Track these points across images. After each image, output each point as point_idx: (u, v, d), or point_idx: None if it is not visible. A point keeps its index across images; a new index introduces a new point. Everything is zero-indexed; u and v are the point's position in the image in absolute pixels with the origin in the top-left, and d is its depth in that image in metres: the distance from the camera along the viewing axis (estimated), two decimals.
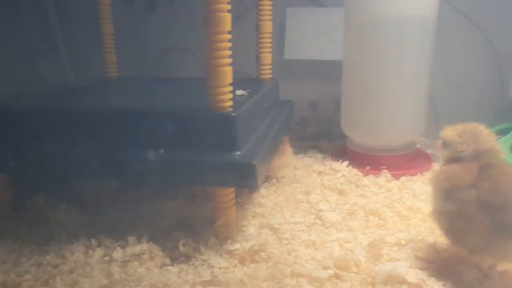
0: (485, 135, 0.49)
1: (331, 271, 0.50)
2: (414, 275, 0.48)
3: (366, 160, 0.89)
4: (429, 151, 0.99)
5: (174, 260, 0.54)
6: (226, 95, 0.54)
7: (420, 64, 0.84)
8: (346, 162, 0.89)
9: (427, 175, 0.84)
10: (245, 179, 0.52)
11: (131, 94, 0.73)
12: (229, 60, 0.53)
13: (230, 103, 0.55)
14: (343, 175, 0.85)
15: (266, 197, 0.74)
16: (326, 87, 1.16)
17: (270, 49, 0.89)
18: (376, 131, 0.87)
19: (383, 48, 0.82)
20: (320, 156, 0.97)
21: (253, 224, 0.63)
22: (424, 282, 0.48)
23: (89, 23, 0.99)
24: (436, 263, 0.52)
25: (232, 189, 0.57)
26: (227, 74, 0.54)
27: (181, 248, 0.54)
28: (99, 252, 0.53)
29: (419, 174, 0.85)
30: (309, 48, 1.13)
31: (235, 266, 0.53)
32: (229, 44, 0.53)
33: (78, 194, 0.69)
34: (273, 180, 0.80)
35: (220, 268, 0.52)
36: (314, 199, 0.73)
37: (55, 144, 0.57)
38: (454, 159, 0.49)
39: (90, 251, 0.54)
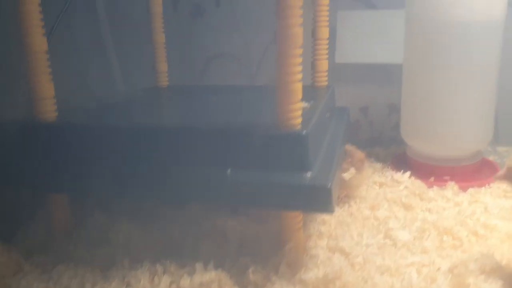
0: None
1: None
2: None
3: (429, 170, 0.84)
4: (491, 159, 0.94)
5: None
6: (296, 112, 0.52)
7: (487, 70, 0.79)
8: (408, 173, 0.84)
9: (496, 187, 0.79)
10: (319, 203, 0.49)
11: (190, 107, 0.71)
12: (300, 76, 0.51)
13: (300, 120, 0.52)
14: (406, 187, 0.81)
15: None
16: (377, 91, 1.12)
17: (326, 56, 0.86)
18: (440, 141, 0.82)
19: (448, 54, 0.77)
20: (379, 165, 0.93)
21: (321, 246, 0.60)
22: None
23: (140, 31, 0.98)
24: None
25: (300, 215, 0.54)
26: (298, 90, 0.51)
27: (251, 276, 0.51)
28: (166, 280, 0.51)
29: (486, 185, 0.80)
30: (360, 51, 1.09)
31: None
32: (300, 60, 0.50)
33: (137, 210, 0.68)
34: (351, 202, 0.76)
35: None
36: (382, 215, 0.70)
37: (113, 162, 0.56)
38: None
39: (156, 278, 0.52)
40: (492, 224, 0.64)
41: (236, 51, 1.21)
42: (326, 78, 0.87)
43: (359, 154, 0.76)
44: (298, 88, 0.51)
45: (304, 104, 0.66)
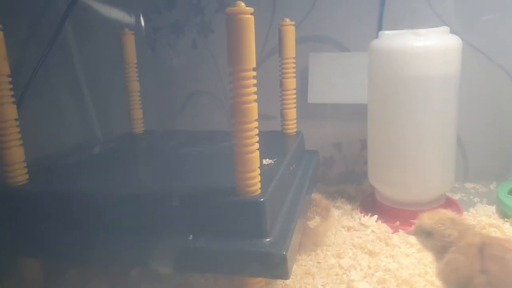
0: (460, 218, 0.54)
1: None
2: None
3: (395, 214, 0.87)
4: (458, 196, 0.97)
5: None
6: (254, 180, 0.54)
7: (444, 120, 0.82)
8: (375, 217, 0.87)
9: None
10: (275, 269, 0.51)
11: (155, 165, 0.74)
12: (257, 146, 0.53)
13: (257, 186, 0.55)
14: (373, 231, 0.83)
15: (297, 261, 0.74)
16: (351, 127, 1.15)
17: (294, 105, 0.89)
18: (403, 186, 0.85)
19: (407, 105, 0.81)
20: (348, 207, 0.96)
21: None
22: None
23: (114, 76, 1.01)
24: None
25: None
26: (255, 159, 0.53)
27: None
28: None
29: None
30: (332, 92, 1.13)
31: None
32: (256, 131, 0.53)
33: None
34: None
35: None
36: (346, 264, 0.72)
37: (79, 227, 0.58)
38: (442, 247, 0.52)
39: None
40: None
41: (214, 89, 1.24)
42: (295, 126, 0.91)
43: (324, 202, 0.79)
44: (254, 157, 0.53)
45: (267, 161, 0.69)
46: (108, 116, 1.05)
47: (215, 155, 0.77)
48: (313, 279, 0.68)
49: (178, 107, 1.29)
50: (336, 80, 1.12)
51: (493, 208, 0.90)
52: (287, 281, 0.67)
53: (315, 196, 0.80)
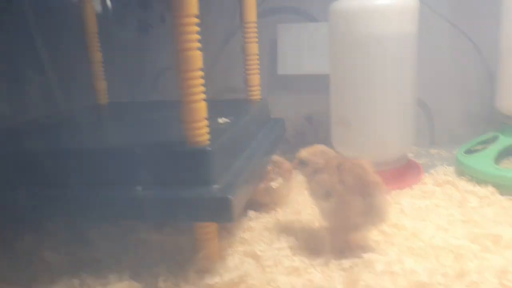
0: (328, 150, 0.67)
1: None
2: None
3: None
4: (422, 161, 0.99)
5: None
6: (201, 130, 0.55)
7: (401, 81, 0.84)
8: None
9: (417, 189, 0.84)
10: (220, 213, 0.52)
11: (111, 127, 0.75)
12: (202, 96, 0.54)
13: (206, 136, 0.56)
14: None
15: (255, 219, 0.75)
16: (322, 100, 1.16)
17: (257, 71, 0.90)
18: (361, 147, 0.87)
19: (364, 65, 0.82)
20: None
21: (238, 252, 0.64)
22: None
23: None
24: None
25: (214, 225, 0.58)
26: (201, 109, 0.54)
27: (161, 284, 0.54)
28: None
29: (408, 187, 0.85)
30: (301, 63, 1.14)
31: None
32: (201, 81, 0.54)
33: (65, 230, 0.70)
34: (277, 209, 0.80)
35: None
36: (305, 219, 0.74)
37: (32, 184, 0.58)
38: (314, 172, 0.64)
39: None
40: (401, 224, 0.69)
41: None
42: (259, 92, 0.92)
43: (286, 164, 0.81)
44: (200, 107, 0.54)
45: (223, 120, 0.70)
46: (72, 88, 1.05)
47: (172, 117, 0.78)
48: (269, 233, 0.70)
49: (149, 83, 1.29)
50: (305, 50, 1.13)
51: (452, 169, 0.92)
52: (246, 236, 0.68)
53: (279, 159, 0.82)
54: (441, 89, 1.10)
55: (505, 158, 0.91)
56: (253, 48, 0.88)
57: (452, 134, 1.09)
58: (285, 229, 0.71)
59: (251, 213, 0.76)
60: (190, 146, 0.55)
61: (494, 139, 0.89)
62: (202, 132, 0.55)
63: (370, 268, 0.57)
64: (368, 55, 0.81)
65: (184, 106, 0.54)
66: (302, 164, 0.66)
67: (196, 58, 0.52)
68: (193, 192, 0.54)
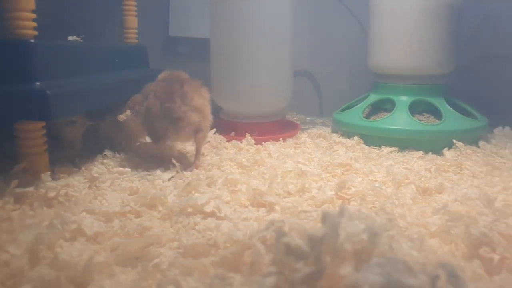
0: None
1: (129, 208, 0.46)
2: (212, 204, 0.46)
3: (234, 127, 0.87)
4: (306, 127, 0.99)
5: None
6: (26, 22, 0.50)
7: (276, 37, 0.84)
8: (213, 130, 0.86)
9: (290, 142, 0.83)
10: (37, 109, 0.47)
11: None
12: None
13: (32, 32, 0.50)
14: (208, 141, 0.82)
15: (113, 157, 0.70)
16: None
17: (135, 13, 0.86)
18: (237, 100, 0.86)
19: (239, 20, 0.82)
20: None
21: (73, 172, 0.58)
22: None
23: None
24: None
25: (38, 134, 0.52)
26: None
27: None
28: None
29: (281, 140, 0.84)
30: (192, 25, 1.11)
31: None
32: None
33: None
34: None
35: None
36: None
37: None
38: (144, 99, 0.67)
39: None
40: (261, 160, 0.67)
41: None
42: (136, 36, 0.87)
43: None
44: None
45: (72, 38, 0.65)
46: None
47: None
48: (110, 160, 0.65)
49: None
50: (197, 13, 1.10)
51: (329, 129, 0.93)
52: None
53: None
54: (327, 61, 1.13)
55: (375, 114, 0.91)
56: None
57: (338, 105, 1.11)
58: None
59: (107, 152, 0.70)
60: (13, 37, 0.49)
61: (365, 97, 0.90)
62: (27, 25, 0.50)
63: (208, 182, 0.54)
64: (242, 9, 0.80)
65: None
66: (136, 97, 0.68)
67: None
68: (12, 88, 0.48)
